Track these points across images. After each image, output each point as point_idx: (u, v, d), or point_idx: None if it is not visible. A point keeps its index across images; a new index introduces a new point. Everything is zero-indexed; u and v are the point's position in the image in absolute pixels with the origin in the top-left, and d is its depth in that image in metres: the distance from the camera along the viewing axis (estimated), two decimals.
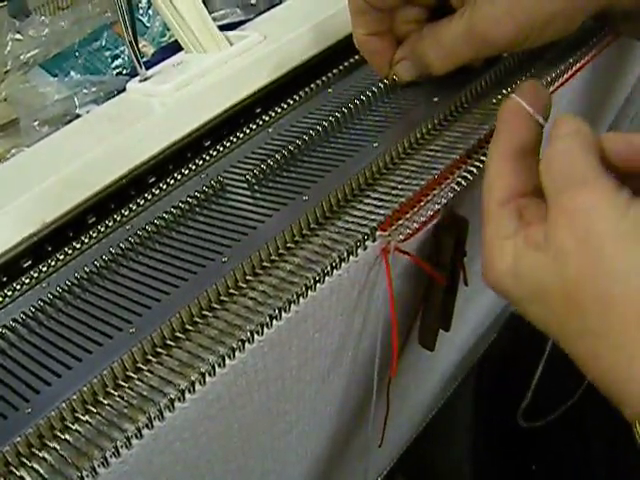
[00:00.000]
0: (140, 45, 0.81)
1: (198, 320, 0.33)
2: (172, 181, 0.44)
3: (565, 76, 0.46)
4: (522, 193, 0.35)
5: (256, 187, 0.41)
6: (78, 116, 0.60)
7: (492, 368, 0.86)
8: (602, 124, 0.71)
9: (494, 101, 0.44)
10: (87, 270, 0.38)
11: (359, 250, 0.35)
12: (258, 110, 0.49)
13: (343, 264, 0.35)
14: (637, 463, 0.60)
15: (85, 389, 0.30)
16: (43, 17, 0.80)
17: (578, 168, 0.32)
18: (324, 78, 0.50)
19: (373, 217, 0.37)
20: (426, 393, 0.68)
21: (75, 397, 0.30)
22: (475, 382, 0.87)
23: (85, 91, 0.72)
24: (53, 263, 0.40)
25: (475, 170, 0.39)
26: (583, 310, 0.31)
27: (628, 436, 0.32)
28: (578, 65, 0.47)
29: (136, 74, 0.51)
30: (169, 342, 0.33)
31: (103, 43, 0.79)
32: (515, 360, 0.84)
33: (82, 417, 0.30)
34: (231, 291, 0.34)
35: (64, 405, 0.30)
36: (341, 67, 0.51)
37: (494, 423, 0.87)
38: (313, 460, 0.48)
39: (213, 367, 0.31)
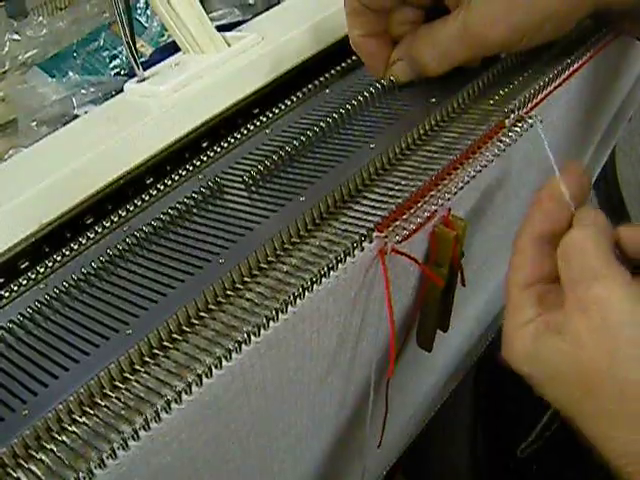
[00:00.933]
0: (138, 45, 0.81)
1: (195, 321, 0.33)
2: (170, 182, 0.44)
3: (562, 76, 0.46)
4: (545, 278, 0.37)
5: (253, 188, 0.41)
6: (76, 116, 0.60)
7: (491, 368, 0.86)
8: (600, 124, 0.71)
9: (491, 102, 0.44)
10: (84, 271, 0.38)
11: (356, 251, 0.35)
12: (256, 111, 0.49)
13: (340, 265, 0.35)
14: None
15: (82, 391, 0.30)
16: (41, 17, 0.80)
17: (593, 262, 0.34)
18: (322, 79, 0.50)
19: (370, 218, 0.37)
20: (425, 394, 0.68)
21: (72, 399, 0.30)
22: (474, 382, 0.87)
23: (83, 91, 0.72)
24: (50, 264, 0.40)
25: (472, 171, 0.39)
26: (598, 393, 0.33)
27: None
28: (576, 65, 0.47)
29: (134, 75, 0.51)
30: (166, 343, 0.33)
31: (101, 43, 0.79)
32: None
33: (79, 419, 0.30)
34: (228, 292, 0.34)
35: (61, 407, 0.30)
36: (339, 68, 0.51)
37: (493, 423, 0.87)
38: (311, 461, 0.48)
39: (210, 368, 0.31)
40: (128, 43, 0.49)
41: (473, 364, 0.83)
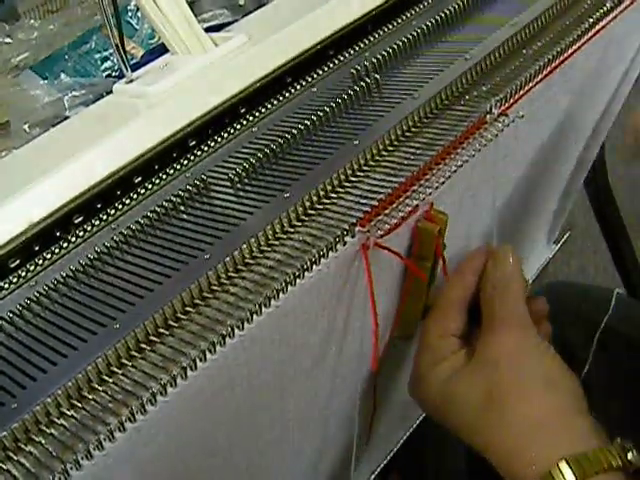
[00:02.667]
0: (129, 47, 0.82)
1: (181, 316, 0.34)
2: (157, 181, 0.45)
3: (544, 72, 0.47)
4: (459, 332, 0.45)
5: (239, 185, 0.42)
6: (68, 118, 0.61)
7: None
8: (588, 120, 0.72)
9: (473, 98, 0.44)
10: (73, 269, 0.39)
11: (338, 246, 0.36)
12: (243, 110, 0.49)
13: (323, 260, 0.36)
14: None
15: (70, 384, 0.31)
16: (33, 21, 0.81)
17: (517, 311, 0.43)
18: (308, 78, 0.51)
19: (353, 213, 0.37)
20: None
21: (60, 392, 0.31)
22: None
23: (75, 93, 0.73)
24: (40, 262, 0.40)
25: (454, 166, 0.40)
26: (503, 406, 0.41)
27: None
28: (557, 61, 0.48)
29: (124, 76, 0.52)
30: (152, 338, 0.33)
31: (93, 46, 0.79)
32: None
33: (67, 411, 0.31)
34: (213, 287, 0.35)
35: (49, 400, 0.31)
36: (325, 67, 0.52)
37: None
38: (299, 454, 0.49)
39: (194, 362, 0.32)
40: (117, 45, 0.50)
41: None
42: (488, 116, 0.43)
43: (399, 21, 0.56)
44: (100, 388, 0.32)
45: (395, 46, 0.50)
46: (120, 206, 0.43)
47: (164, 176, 0.45)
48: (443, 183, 0.40)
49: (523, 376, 0.41)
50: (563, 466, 0.37)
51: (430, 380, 0.44)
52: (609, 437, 0.40)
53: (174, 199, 0.42)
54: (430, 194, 0.39)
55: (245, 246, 0.36)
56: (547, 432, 0.40)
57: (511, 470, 0.40)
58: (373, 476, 0.71)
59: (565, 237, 0.94)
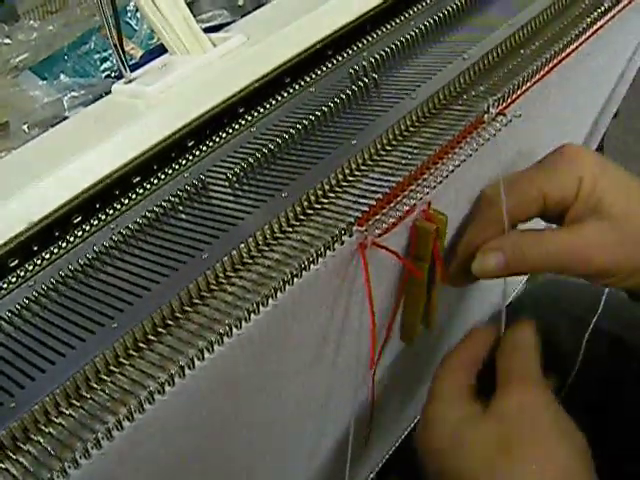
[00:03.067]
0: (128, 48, 0.82)
1: (179, 315, 0.34)
2: (156, 181, 0.45)
3: (542, 72, 0.47)
4: (471, 387, 0.46)
5: (237, 185, 0.42)
6: (67, 119, 0.61)
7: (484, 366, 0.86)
8: (585, 120, 0.72)
9: (471, 98, 0.45)
10: (72, 268, 0.39)
11: (336, 245, 0.36)
12: (241, 110, 0.49)
13: (320, 259, 0.36)
14: None
15: (68, 383, 0.31)
16: (32, 21, 0.81)
17: (533, 370, 0.45)
18: (306, 78, 0.51)
19: (350, 212, 0.37)
20: (415, 390, 0.68)
21: (59, 391, 0.31)
22: None
23: (74, 94, 0.73)
24: (39, 262, 0.41)
25: (451, 166, 0.40)
26: (514, 459, 0.41)
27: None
28: (555, 61, 0.48)
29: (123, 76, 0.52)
30: (150, 337, 0.33)
31: (92, 46, 0.79)
32: None
33: (65, 410, 0.31)
34: (211, 286, 0.35)
35: (47, 399, 0.31)
36: (323, 67, 0.52)
37: None
38: (295, 454, 0.49)
39: (192, 361, 0.32)
40: (116, 45, 0.50)
41: None
42: (486, 116, 0.43)
43: (397, 21, 0.56)
44: (98, 387, 0.32)
45: (393, 46, 0.50)
46: (119, 206, 0.43)
47: (163, 176, 0.45)
48: (441, 182, 0.40)
49: (537, 432, 0.42)
50: None
51: (440, 425, 0.45)
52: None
53: (172, 199, 0.42)
54: (428, 193, 0.39)
55: (243, 246, 0.36)
56: None
57: None
58: (372, 476, 0.71)
59: None
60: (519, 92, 0.45)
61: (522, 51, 0.48)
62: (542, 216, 0.48)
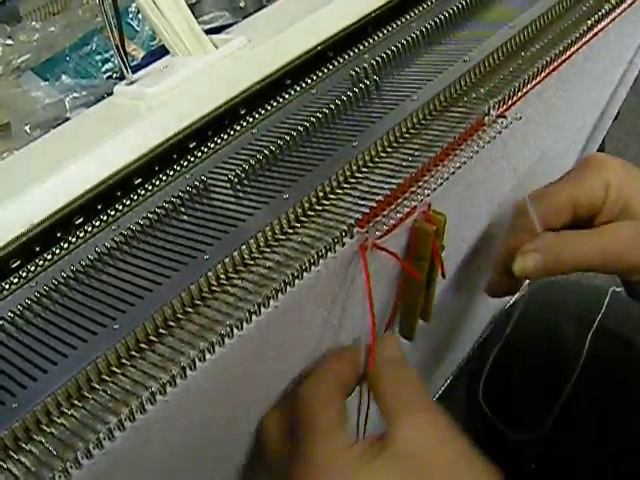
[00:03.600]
0: (130, 49, 0.82)
1: (180, 316, 0.34)
2: (157, 182, 0.45)
3: (543, 74, 0.47)
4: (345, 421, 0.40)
5: (238, 186, 0.42)
6: (69, 120, 0.61)
7: (483, 365, 0.86)
8: (586, 122, 0.72)
9: (473, 100, 0.45)
10: (73, 269, 0.39)
11: (337, 247, 0.36)
12: (243, 111, 0.50)
13: (321, 260, 0.36)
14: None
15: (70, 384, 0.31)
16: (34, 22, 0.81)
17: (418, 395, 0.40)
18: (307, 80, 0.51)
19: (351, 214, 0.38)
20: None
21: (60, 391, 0.31)
22: (467, 380, 0.87)
23: (76, 95, 0.73)
24: (41, 263, 0.41)
25: (452, 168, 0.40)
26: None
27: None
28: (555, 64, 0.48)
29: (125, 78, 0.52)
30: (152, 338, 0.33)
31: (94, 47, 0.79)
32: (507, 357, 0.85)
33: (67, 411, 0.31)
34: (213, 288, 0.35)
35: (49, 399, 0.31)
36: (324, 69, 0.52)
37: (487, 422, 0.88)
38: None
39: (194, 361, 0.32)
40: (117, 46, 0.50)
41: (465, 361, 0.84)
42: (486, 118, 0.43)
43: (398, 23, 0.56)
44: (100, 387, 0.32)
45: (394, 48, 0.51)
46: (120, 207, 0.43)
47: (164, 177, 0.45)
48: (441, 184, 0.40)
49: (439, 468, 0.37)
50: None
51: (340, 465, 0.38)
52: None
53: (174, 200, 0.42)
54: (428, 195, 0.39)
55: (244, 247, 0.36)
56: None
57: None
58: None
59: None
60: (520, 94, 0.45)
61: (523, 53, 0.48)
62: (572, 223, 0.50)
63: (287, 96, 0.50)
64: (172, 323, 0.34)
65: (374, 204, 0.38)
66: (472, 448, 0.39)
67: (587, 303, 0.67)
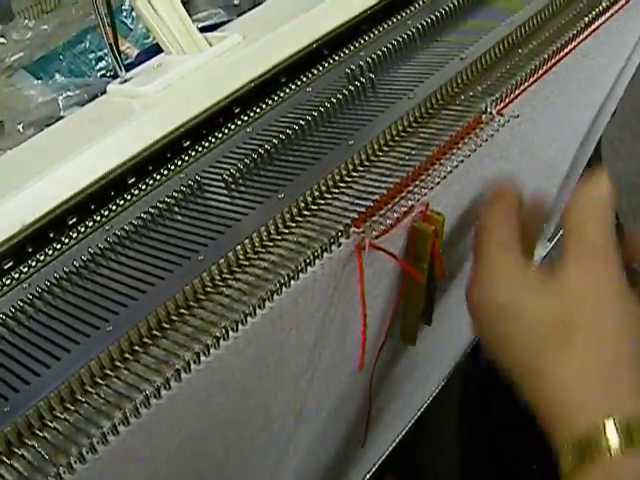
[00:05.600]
0: (124, 47, 0.82)
1: (174, 318, 0.34)
2: (151, 181, 0.44)
3: (539, 72, 0.47)
4: (518, 245, 0.42)
5: (233, 186, 0.41)
6: (62, 118, 0.60)
7: (480, 365, 0.86)
8: (584, 119, 0.72)
9: (471, 98, 0.44)
10: (67, 270, 0.38)
11: (333, 247, 0.36)
12: (237, 110, 0.49)
13: (317, 261, 0.36)
14: None
15: (63, 387, 0.31)
16: (27, 21, 0.81)
17: (607, 242, 0.40)
18: (303, 78, 0.51)
19: (347, 214, 0.37)
20: (412, 390, 0.68)
21: (53, 395, 0.31)
22: (463, 379, 0.87)
23: (69, 93, 0.73)
24: (34, 264, 0.40)
25: (449, 167, 0.40)
26: (574, 342, 0.38)
27: None
28: (552, 61, 0.48)
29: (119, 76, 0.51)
30: (146, 340, 0.33)
31: (87, 45, 0.79)
32: None
33: (60, 415, 0.31)
34: (207, 289, 0.35)
35: (42, 403, 0.30)
36: (319, 67, 0.52)
37: (483, 420, 0.87)
38: (293, 457, 0.49)
39: (188, 364, 0.32)
40: (111, 45, 0.50)
41: (462, 360, 0.84)
42: (484, 116, 0.43)
43: (394, 21, 0.56)
44: (93, 391, 0.31)
45: (390, 45, 0.50)
46: (114, 207, 0.43)
47: (158, 177, 0.45)
48: (439, 183, 0.39)
49: (602, 318, 0.38)
50: (610, 425, 0.35)
51: (500, 283, 0.40)
52: None
53: (168, 200, 0.42)
54: (425, 194, 0.39)
55: (239, 247, 0.36)
56: (609, 383, 0.37)
57: (556, 410, 0.38)
58: (368, 476, 0.71)
59: (559, 235, 0.94)
60: (517, 92, 0.45)
61: (520, 51, 0.48)
62: None
63: (282, 94, 0.50)
64: (166, 325, 0.34)
65: (371, 204, 0.37)
66: (635, 303, 0.40)
67: None
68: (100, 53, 0.80)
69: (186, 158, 0.46)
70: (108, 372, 0.32)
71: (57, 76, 0.77)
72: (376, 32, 0.55)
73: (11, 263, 0.41)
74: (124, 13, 0.82)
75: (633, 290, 0.40)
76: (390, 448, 0.72)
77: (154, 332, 0.33)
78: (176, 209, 0.41)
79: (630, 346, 0.38)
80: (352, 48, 0.53)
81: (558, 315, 0.39)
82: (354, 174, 0.40)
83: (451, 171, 0.40)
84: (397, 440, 0.72)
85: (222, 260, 0.35)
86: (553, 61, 0.48)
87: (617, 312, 0.39)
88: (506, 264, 0.41)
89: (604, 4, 0.52)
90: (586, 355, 0.37)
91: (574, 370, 0.37)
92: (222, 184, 0.42)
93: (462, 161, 0.41)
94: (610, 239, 0.40)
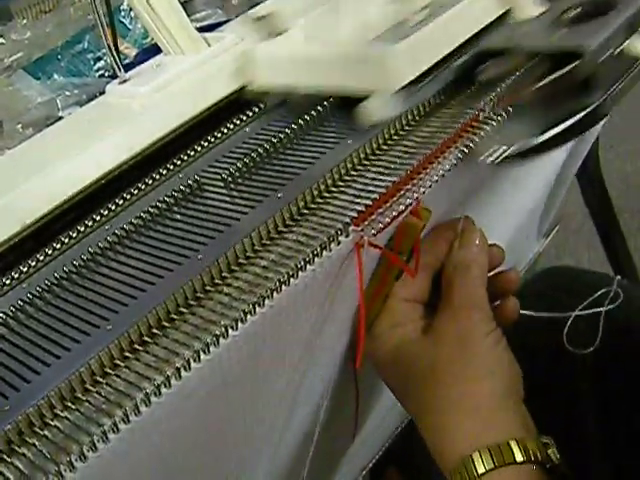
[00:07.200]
0: (122, 47, 0.82)
1: (174, 317, 0.34)
2: (150, 181, 0.45)
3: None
4: (423, 299, 0.46)
5: (232, 185, 0.42)
6: (61, 118, 0.60)
7: None
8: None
9: (464, 99, 0.45)
10: (66, 270, 0.39)
11: (332, 245, 0.36)
12: (236, 110, 0.49)
13: (317, 259, 0.36)
14: None
15: (63, 386, 0.31)
16: (25, 21, 0.81)
17: (475, 295, 0.44)
18: None
19: (346, 213, 0.37)
20: None
21: (54, 394, 0.31)
22: None
23: (68, 93, 0.73)
24: (33, 264, 0.40)
25: (446, 166, 0.40)
26: (443, 383, 0.43)
27: None
28: None
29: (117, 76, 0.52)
30: (146, 338, 0.33)
31: (86, 46, 0.79)
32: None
33: (60, 413, 0.31)
34: (207, 288, 0.35)
35: (42, 402, 0.31)
36: None
37: None
38: (288, 448, 0.49)
39: (188, 362, 0.32)
40: (109, 45, 0.50)
41: None
42: (481, 114, 0.43)
43: None
44: (93, 389, 0.32)
45: None
46: (113, 207, 0.43)
47: (157, 176, 0.45)
48: (436, 182, 0.40)
49: (468, 360, 0.43)
50: (476, 456, 0.40)
51: (385, 340, 0.45)
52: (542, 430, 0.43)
53: (167, 199, 0.42)
54: (424, 193, 0.39)
55: (239, 246, 0.36)
56: (476, 417, 0.42)
57: (437, 445, 0.43)
58: (369, 466, 0.71)
59: (554, 231, 0.94)
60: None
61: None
62: None
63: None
64: (166, 324, 0.34)
65: (369, 202, 0.37)
66: (508, 353, 0.45)
67: (593, 290, 0.66)
68: (99, 53, 0.80)
69: (185, 158, 0.46)
70: (108, 370, 0.32)
71: (56, 76, 0.77)
72: None
73: (11, 263, 0.41)
74: (122, 13, 0.82)
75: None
76: (390, 441, 0.72)
77: (154, 330, 0.33)
78: (175, 208, 0.41)
79: (498, 385, 0.43)
80: None
81: (430, 363, 0.44)
82: (353, 173, 0.40)
83: (450, 169, 0.40)
84: (396, 433, 0.72)
85: (222, 259, 0.35)
86: None
87: (485, 356, 0.43)
88: (392, 323, 0.45)
89: None
90: (456, 396, 0.43)
91: (446, 411, 0.43)
92: (221, 183, 0.42)
93: (460, 159, 0.41)
94: (479, 291, 0.45)
